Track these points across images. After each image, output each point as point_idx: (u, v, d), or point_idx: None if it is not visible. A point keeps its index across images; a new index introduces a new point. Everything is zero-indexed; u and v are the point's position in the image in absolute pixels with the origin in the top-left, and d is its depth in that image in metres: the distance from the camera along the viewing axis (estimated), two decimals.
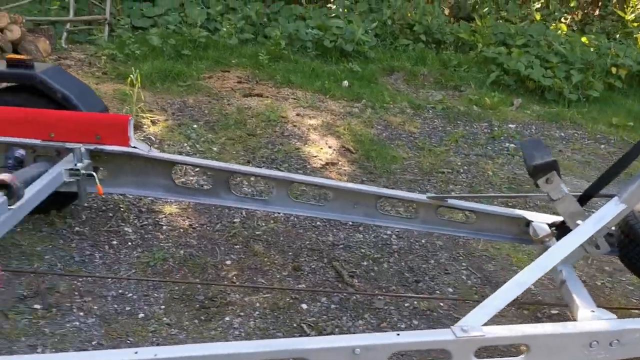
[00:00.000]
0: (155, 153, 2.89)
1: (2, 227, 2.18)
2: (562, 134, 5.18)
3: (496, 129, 5.16)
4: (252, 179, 3.83)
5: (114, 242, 3.06)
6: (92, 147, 2.72)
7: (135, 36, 6.89)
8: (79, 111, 2.91)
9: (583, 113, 5.72)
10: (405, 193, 2.87)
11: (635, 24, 8.19)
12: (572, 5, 8.22)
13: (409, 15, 7.65)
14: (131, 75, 5.10)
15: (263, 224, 3.35)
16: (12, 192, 2.23)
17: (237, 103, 5.36)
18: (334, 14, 7.89)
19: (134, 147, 2.78)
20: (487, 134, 5.06)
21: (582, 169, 4.54)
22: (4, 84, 3.18)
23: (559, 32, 7.66)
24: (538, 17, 8.29)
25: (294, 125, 4.95)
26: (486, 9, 8.51)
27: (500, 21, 7.72)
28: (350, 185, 2.77)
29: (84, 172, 2.68)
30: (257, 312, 2.62)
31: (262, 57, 6.47)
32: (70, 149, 2.74)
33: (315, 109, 5.40)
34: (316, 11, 8.16)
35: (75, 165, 2.69)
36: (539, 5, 8.41)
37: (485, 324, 1.79)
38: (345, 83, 6.20)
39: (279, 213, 3.41)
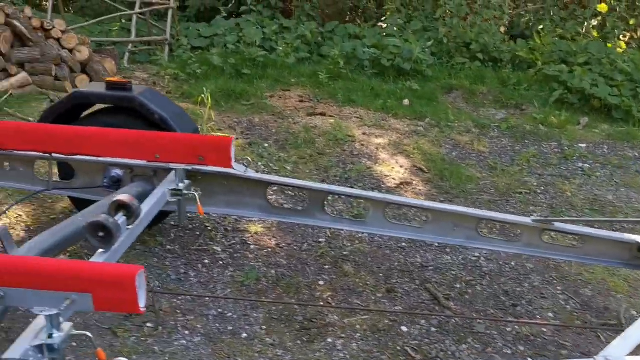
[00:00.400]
0: (252, 174, 2.92)
1: (122, 247, 2.22)
2: (636, 154, 5.06)
3: (566, 148, 5.07)
4: (330, 197, 3.85)
5: (206, 261, 3.09)
6: (191, 167, 2.76)
7: (196, 56, 7.02)
8: (175, 132, 2.98)
9: None
10: (509, 216, 2.84)
11: None
12: (631, 23, 8.09)
13: (464, 32, 7.62)
14: (202, 95, 5.20)
15: (349, 244, 3.35)
16: (131, 212, 2.28)
17: (302, 122, 5.40)
18: (387, 33, 7.91)
19: (231, 168, 2.81)
20: (558, 153, 4.97)
21: None
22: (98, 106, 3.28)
23: (619, 49, 7.53)
24: (596, 34, 8.17)
25: (362, 144, 4.95)
26: (542, 26, 8.44)
27: (556, 39, 7.62)
28: (450, 207, 2.75)
29: (185, 192, 2.72)
30: (358, 334, 2.60)
31: (322, 76, 6.52)
32: (171, 170, 2.79)
33: (380, 127, 5.40)
34: (370, 30, 8.21)
35: (177, 185, 2.73)
36: (595, 23, 8.29)
37: None
38: (406, 101, 6.19)
39: (363, 233, 3.41)
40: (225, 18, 8.68)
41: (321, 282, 2.97)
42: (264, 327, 2.62)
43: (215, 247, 3.23)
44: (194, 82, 6.47)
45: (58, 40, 6.24)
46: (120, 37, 7.75)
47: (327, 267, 3.11)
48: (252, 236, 3.37)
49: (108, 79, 3.08)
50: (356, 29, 8.17)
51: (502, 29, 7.75)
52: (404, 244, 3.36)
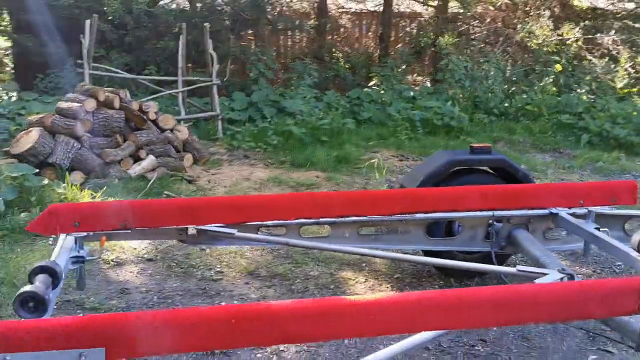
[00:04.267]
0: (616, 210, 3.55)
1: None
2: None
3: None
4: None
5: None
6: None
7: (272, 127, 7.28)
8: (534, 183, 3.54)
9: None
10: None
11: (626, 90, 10.15)
12: (586, 78, 10.00)
13: (474, 91, 8.85)
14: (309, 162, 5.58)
15: None
16: None
17: None
18: (413, 96, 8.87)
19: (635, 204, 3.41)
20: None
21: None
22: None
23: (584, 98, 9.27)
24: (554, 89, 9.91)
25: None
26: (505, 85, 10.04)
27: (550, 95, 9.17)
28: None
29: (602, 230, 3.25)
30: None
31: (402, 137, 7.21)
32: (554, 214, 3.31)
33: None
34: (388, 94, 9.09)
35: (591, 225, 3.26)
36: (551, 80, 10.05)
37: None
38: None
39: None
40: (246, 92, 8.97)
41: None
42: None
43: None
44: (288, 152, 6.75)
45: (154, 121, 6.16)
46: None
47: None
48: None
49: (472, 144, 3.54)
50: (380, 95, 8.97)
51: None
52: None
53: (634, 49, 11.34)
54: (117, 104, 5.65)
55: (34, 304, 2.00)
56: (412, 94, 8.95)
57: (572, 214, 3.35)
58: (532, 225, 3.41)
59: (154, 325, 1.70)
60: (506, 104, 8.81)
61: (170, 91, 7.67)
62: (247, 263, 3.84)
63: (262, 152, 6.81)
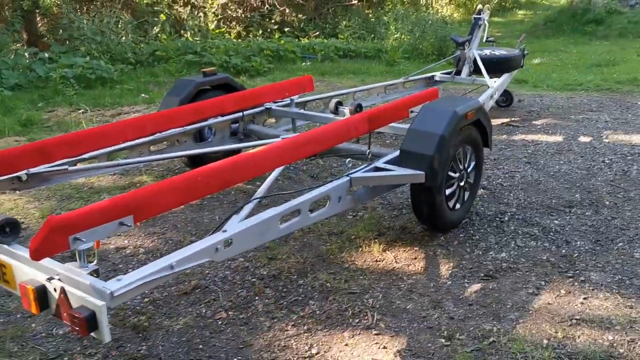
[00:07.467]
0: None
1: None
2: None
3: None
4: None
5: None
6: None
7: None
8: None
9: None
10: None
11: (217, 31, 12.33)
12: (190, 23, 11.66)
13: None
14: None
15: None
16: None
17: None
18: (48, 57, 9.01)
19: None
20: None
21: None
22: None
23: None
24: (166, 37, 11.39)
25: None
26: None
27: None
28: None
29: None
30: None
31: (71, 93, 7.61)
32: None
33: None
34: (22, 58, 8.97)
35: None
36: (158, 30, 11.44)
37: None
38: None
39: None
40: None
41: None
42: None
43: None
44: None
45: None
46: None
47: None
48: None
49: (204, 70, 4.74)
50: (15, 61, 8.78)
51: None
52: None
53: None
54: None
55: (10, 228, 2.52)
56: (46, 55, 9.09)
57: (279, 106, 4.94)
58: (256, 120, 4.89)
59: (160, 192, 2.57)
60: (137, 52, 9.83)
61: None
62: (39, 210, 4.24)
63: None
